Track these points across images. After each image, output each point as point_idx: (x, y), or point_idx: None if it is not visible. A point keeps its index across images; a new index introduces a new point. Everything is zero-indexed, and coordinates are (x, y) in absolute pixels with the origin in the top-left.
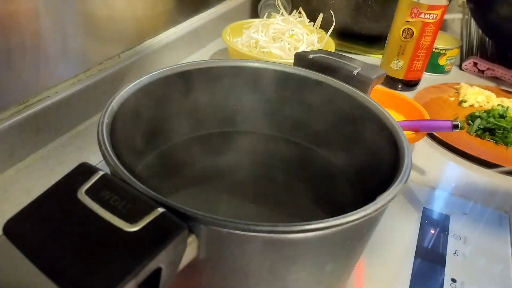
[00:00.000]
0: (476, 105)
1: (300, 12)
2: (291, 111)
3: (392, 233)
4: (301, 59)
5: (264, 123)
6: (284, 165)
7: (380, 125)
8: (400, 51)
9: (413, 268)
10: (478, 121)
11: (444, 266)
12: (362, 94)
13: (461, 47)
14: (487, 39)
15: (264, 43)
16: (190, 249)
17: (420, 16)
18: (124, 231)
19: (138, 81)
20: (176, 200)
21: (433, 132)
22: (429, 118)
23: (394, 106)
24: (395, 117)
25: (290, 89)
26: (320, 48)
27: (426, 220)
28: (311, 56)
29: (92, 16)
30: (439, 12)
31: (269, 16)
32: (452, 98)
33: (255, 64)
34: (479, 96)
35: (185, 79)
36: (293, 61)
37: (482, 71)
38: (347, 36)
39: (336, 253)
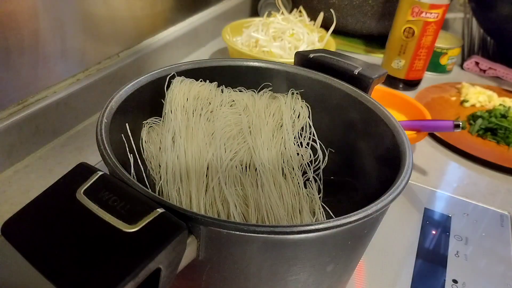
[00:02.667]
0: (478, 105)
1: (300, 11)
2: None
3: (393, 233)
4: (301, 58)
5: None
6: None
7: (381, 125)
8: (401, 50)
9: (414, 269)
10: (479, 121)
11: (445, 267)
12: (363, 93)
13: (463, 46)
14: (488, 38)
15: (264, 42)
16: (190, 250)
17: (421, 15)
18: (123, 232)
19: (137, 80)
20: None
21: (435, 132)
22: (430, 118)
23: (395, 105)
24: (396, 117)
25: (290, 88)
26: (320, 48)
27: (428, 221)
28: (311, 55)
29: (91, 15)
30: (440, 11)
31: (269, 15)
32: (454, 98)
33: (255, 64)
34: (480, 95)
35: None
36: (293, 60)
37: (484, 71)
38: (348, 35)
39: (337, 254)
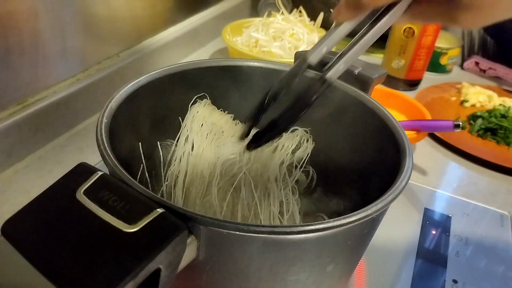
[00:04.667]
0: (478, 105)
1: (300, 11)
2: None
3: (394, 233)
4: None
5: (263, 122)
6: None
7: (381, 125)
8: (401, 50)
9: (414, 268)
10: (479, 121)
11: (445, 266)
12: (363, 93)
13: (463, 46)
14: (488, 38)
15: (264, 42)
16: (190, 250)
17: None
18: (123, 232)
19: (137, 80)
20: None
21: (435, 132)
22: (430, 118)
23: (395, 105)
24: (396, 117)
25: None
26: None
27: (428, 221)
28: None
29: (91, 16)
30: None
31: (269, 15)
32: (454, 98)
33: (255, 64)
34: (480, 95)
35: (184, 79)
36: (293, 60)
37: (484, 71)
38: (348, 35)
39: (337, 254)
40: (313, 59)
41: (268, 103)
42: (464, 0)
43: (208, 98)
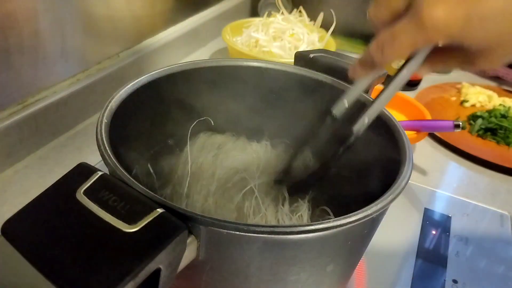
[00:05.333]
0: (478, 105)
1: (300, 11)
2: (291, 111)
3: (393, 234)
4: (301, 58)
5: (263, 122)
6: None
7: (381, 125)
8: None
9: (414, 269)
10: (479, 121)
11: (445, 267)
12: (363, 93)
13: None
14: None
15: (264, 42)
16: (190, 250)
17: None
18: (123, 232)
19: (137, 80)
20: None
21: (435, 132)
22: (430, 118)
23: (395, 105)
24: (396, 117)
25: (290, 88)
26: (320, 48)
27: (428, 221)
28: (311, 55)
29: (91, 16)
30: None
31: (269, 15)
32: (454, 98)
33: (255, 64)
34: (480, 95)
35: (184, 79)
36: (293, 60)
37: (484, 71)
38: (347, 35)
39: (337, 254)
40: (337, 112)
41: (295, 156)
42: (474, 46)
43: (211, 120)
